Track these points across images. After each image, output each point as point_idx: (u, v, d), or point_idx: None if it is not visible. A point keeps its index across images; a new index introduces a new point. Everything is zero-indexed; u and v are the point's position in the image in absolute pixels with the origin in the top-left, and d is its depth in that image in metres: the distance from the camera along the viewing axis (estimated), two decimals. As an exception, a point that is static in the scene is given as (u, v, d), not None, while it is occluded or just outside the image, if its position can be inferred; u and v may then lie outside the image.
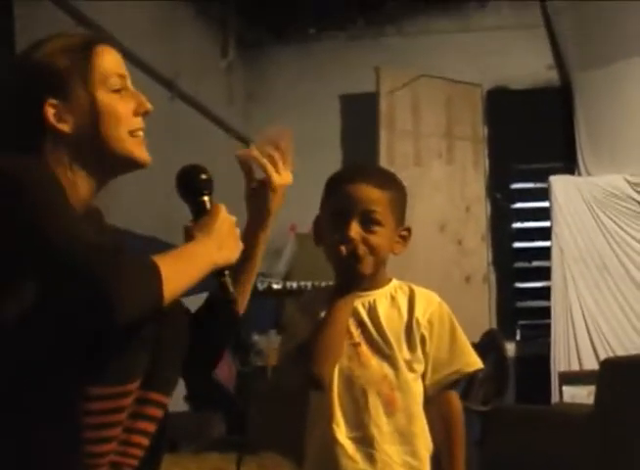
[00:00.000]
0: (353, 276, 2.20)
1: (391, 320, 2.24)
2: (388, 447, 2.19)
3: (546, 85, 6.75)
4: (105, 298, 1.66)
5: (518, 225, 6.88)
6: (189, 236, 1.95)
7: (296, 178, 2.14)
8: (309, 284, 6.01)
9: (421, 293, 2.29)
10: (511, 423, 4.19)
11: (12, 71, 2.00)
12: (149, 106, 2.02)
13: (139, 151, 1.99)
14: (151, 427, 1.95)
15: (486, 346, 4.72)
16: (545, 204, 6.44)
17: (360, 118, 6.78)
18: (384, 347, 2.22)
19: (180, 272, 1.81)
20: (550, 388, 5.91)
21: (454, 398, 2.29)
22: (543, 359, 6.04)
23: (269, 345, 5.70)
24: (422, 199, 6.37)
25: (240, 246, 1.97)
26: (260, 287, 5.71)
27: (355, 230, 2.16)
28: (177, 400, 4.87)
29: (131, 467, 1.92)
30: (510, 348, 6.13)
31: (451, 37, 6.88)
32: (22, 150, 1.93)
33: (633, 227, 6.10)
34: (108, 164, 1.96)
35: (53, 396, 1.68)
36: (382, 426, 2.19)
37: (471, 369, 2.28)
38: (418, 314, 2.24)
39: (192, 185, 1.99)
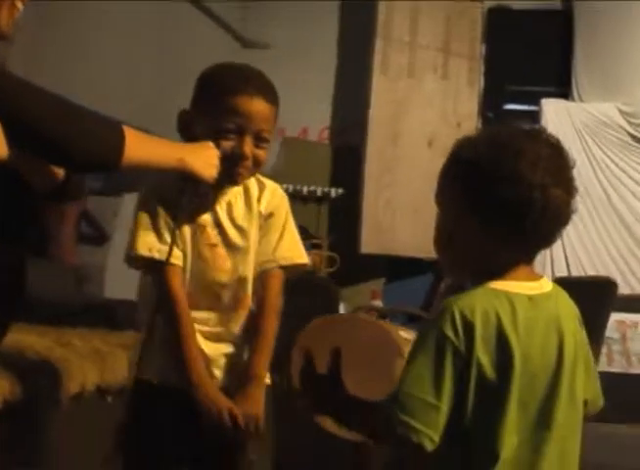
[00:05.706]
0: (230, 183, 2.22)
1: (245, 219, 2.27)
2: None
3: (548, 8, 6.67)
4: (64, 140, 1.74)
5: (506, 146, 6.83)
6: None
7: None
8: (291, 187, 5.98)
9: (269, 186, 2.32)
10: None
11: None
12: None
13: None
14: None
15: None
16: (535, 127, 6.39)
17: (358, 26, 6.68)
18: (241, 247, 2.25)
19: (144, 147, 1.91)
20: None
21: (276, 274, 2.29)
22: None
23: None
24: (412, 112, 6.33)
25: (215, 171, 2.07)
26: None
27: (249, 147, 2.17)
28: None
29: None
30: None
31: (457, -49, 6.76)
32: None
33: (621, 157, 6.09)
34: None
35: None
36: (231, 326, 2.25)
37: (294, 262, 2.30)
38: (262, 207, 2.28)
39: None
